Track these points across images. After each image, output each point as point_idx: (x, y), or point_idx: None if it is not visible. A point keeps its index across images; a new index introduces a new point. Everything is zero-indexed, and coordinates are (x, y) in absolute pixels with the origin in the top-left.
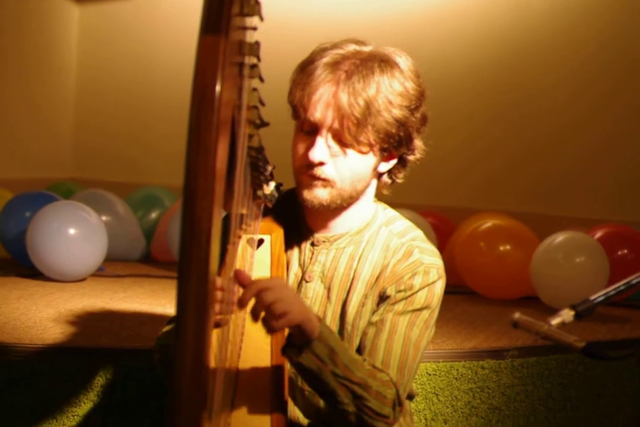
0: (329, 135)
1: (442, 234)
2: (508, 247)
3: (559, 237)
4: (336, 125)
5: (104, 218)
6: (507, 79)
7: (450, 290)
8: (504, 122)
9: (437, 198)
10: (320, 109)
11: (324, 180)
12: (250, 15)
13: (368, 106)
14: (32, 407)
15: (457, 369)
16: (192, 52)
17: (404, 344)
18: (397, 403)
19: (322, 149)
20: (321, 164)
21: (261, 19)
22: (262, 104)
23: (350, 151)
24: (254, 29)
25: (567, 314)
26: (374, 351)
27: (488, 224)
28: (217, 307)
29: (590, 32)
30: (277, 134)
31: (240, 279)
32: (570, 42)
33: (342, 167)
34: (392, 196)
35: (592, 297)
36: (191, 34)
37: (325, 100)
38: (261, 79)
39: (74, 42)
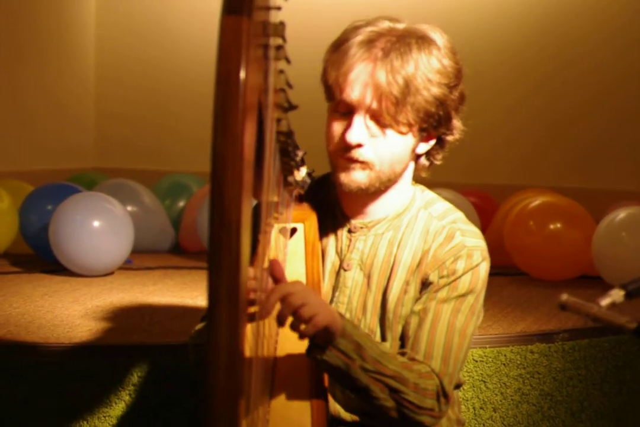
0: (367, 116)
1: (484, 213)
2: (559, 225)
3: (621, 214)
4: (374, 105)
5: (129, 209)
6: (541, 49)
7: (497, 271)
8: (541, 93)
9: (477, 176)
10: (357, 89)
11: (362, 162)
12: None
13: (407, 84)
14: (61, 409)
15: (505, 355)
16: (215, 34)
17: (447, 332)
18: (442, 394)
19: (360, 130)
20: (359, 146)
21: None
22: (290, 86)
23: (389, 132)
24: (278, 8)
25: (617, 294)
26: (416, 342)
27: (537, 201)
28: (251, 296)
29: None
30: (307, 117)
31: (273, 270)
32: (605, 8)
33: (381, 148)
34: (430, 176)
35: None
36: (213, 15)
37: (362, 79)
38: (288, 61)
39: (92, 27)
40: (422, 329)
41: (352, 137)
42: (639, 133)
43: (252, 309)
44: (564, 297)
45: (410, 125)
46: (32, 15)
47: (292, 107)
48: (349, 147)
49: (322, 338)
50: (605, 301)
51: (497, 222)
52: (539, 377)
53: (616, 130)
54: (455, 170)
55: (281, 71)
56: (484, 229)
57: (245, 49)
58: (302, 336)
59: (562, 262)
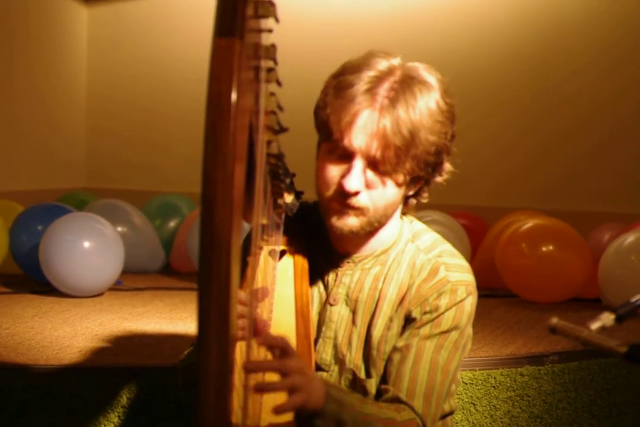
0: (366, 164)
1: (475, 235)
2: (551, 247)
3: (630, 237)
4: (377, 154)
5: (119, 229)
6: (528, 72)
7: (487, 293)
8: (528, 115)
9: (466, 197)
10: (361, 137)
11: (357, 209)
12: (265, 16)
13: (412, 136)
14: None
15: (494, 377)
16: (207, 53)
17: (430, 370)
18: None
19: (359, 178)
20: (356, 193)
21: (277, 20)
22: (281, 109)
23: (387, 181)
24: (270, 31)
25: (607, 318)
26: (398, 380)
27: (529, 224)
28: (239, 322)
29: (617, 17)
30: (297, 139)
31: (264, 342)
32: (593, 31)
33: (377, 196)
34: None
35: (634, 299)
36: (205, 33)
37: (367, 127)
38: (279, 83)
39: (84, 47)
40: (404, 366)
41: (351, 185)
42: (624, 155)
43: (240, 332)
44: (554, 320)
45: (407, 175)
46: (23, 33)
47: (282, 129)
48: (346, 194)
49: (303, 414)
50: (595, 325)
51: (487, 243)
52: (528, 400)
53: (602, 152)
54: (444, 192)
55: (272, 93)
56: (474, 251)
57: (236, 71)
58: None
59: (554, 285)
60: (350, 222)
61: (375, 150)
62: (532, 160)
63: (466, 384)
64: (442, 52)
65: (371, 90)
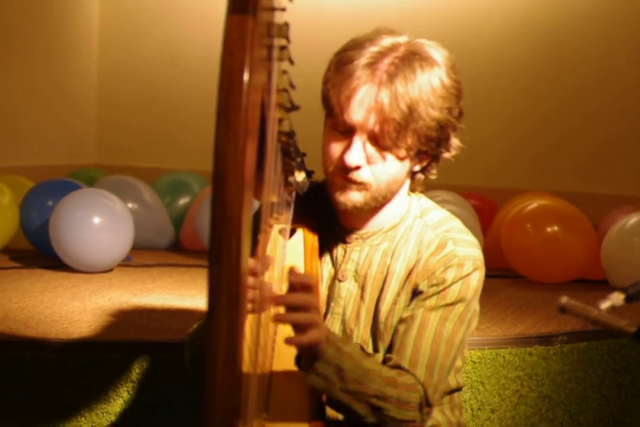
0: (367, 139)
1: (485, 216)
2: (556, 228)
3: (632, 219)
4: (376, 129)
5: (130, 206)
6: (545, 58)
7: (496, 274)
8: (546, 100)
9: (481, 179)
10: (359, 112)
11: (359, 184)
12: None
13: (411, 111)
14: (59, 405)
15: (503, 357)
16: (219, 34)
17: (434, 341)
18: (425, 404)
19: (359, 153)
20: (357, 168)
21: None
22: (293, 87)
23: (388, 155)
24: (283, 9)
25: (617, 298)
26: (401, 349)
27: (534, 204)
28: (249, 294)
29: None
30: (308, 118)
31: (294, 279)
32: (612, 16)
33: (379, 171)
34: (435, 178)
35: None
36: (218, 15)
37: (365, 102)
38: (291, 62)
39: (96, 25)
40: (408, 336)
41: (351, 159)
42: (637, 140)
43: (250, 306)
44: (564, 300)
45: (409, 149)
46: (37, 13)
47: (294, 107)
48: (347, 169)
49: (303, 361)
50: (605, 304)
51: (496, 225)
52: (537, 379)
53: (618, 136)
54: (457, 173)
55: (284, 72)
56: (484, 232)
57: (249, 48)
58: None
59: (558, 265)
60: (353, 197)
61: (374, 124)
62: (546, 144)
63: (475, 363)
64: (453, 36)
65: (371, 66)
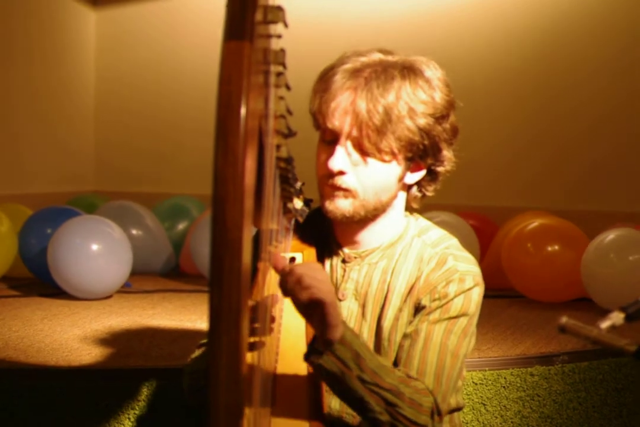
0: (349, 144)
1: (484, 236)
2: (557, 247)
3: (610, 235)
4: (355, 133)
5: (133, 231)
6: (541, 75)
7: (496, 294)
8: (542, 118)
9: (478, 198)
10: (338, 117)
11: (345, 190)
12: (274, 22)
13: (387, 113)
14: None
15: (504, 377)
16: (215, 53)
17: (440, 352)
18: (436, 412)
19: (341, 158)
20: (341, 173)
21: (285, 25)
22: (290, 113)
23: (371, 160)
24: (279, 36)
25: (617, 317)
26: (408, 361)
27: (535, 223)
28: (250, 327)
29: (624, 22)
30: (306, 144)
31: (275, 262)
32: (606, 31)
33: (364, 176)
34: (431, 197)
35: None
36: (214, 40)
37: (343, 107)
38: (288, 88)
39: (91, 51)
40: (414, 349)
41: (333, 164)
42: (635, 157)
43: (252, 339)
44: (564, 319)
45: (393, 154)
46: (30, 40)
47: (291, 133)
48: (332, 175)
49: (321, 343)
50: (605, 324)
51: (496, 244)
52: (539, 400)
53: (614, 153)
54: (455, 193)
55: (281, 98)
56: (483, 252)
57: (246, 73)
58: (294, 301)
59: (559, 284)
60: (341, 204)
61: (353, 129)
62: (543, 162)
63: (476, 384)
64: (448, 54)
65: (352, 73)
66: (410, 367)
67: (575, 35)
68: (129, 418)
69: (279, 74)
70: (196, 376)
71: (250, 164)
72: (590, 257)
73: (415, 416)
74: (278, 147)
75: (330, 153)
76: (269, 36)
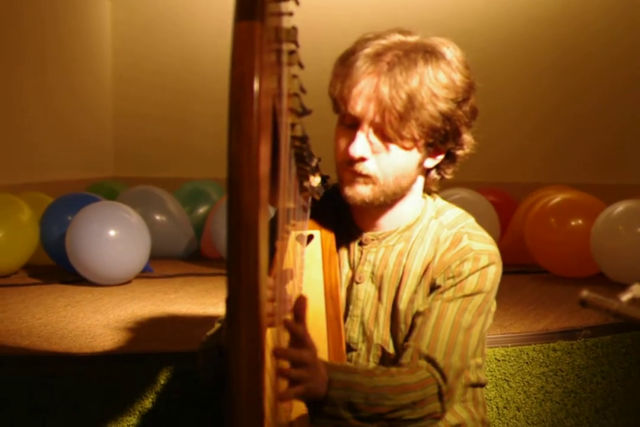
0: (371, 130)
1: (504, 212)
2: (580, 221)
3: (619, 207)
4: (378, 119)
5: (156, 217)
6: (556, 48)
7: (517, 269)
8: (558, 91)
9: (497, 175)
10: (361, 103)
11: (365, 176)
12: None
13: (410, 99)
14: (84, 419)
15: (527, 353)
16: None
17: (452, 329)
18: (445, 392)
19: (362, 144)
20: (362, 159)
21: (297, 2)
22: (303, 91)
23: (393, 146)
24: (290, 14)
25: (637, 289)
26: (419, 337)
27: (557, 198)
28: (269, 306)
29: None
30: (321, 122)
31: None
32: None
33: (385, 163)
34: (452, 177)
35: None
36: (231, 23)
37: (366, 93)
38: (301, 66)
39: (108, 37)
40: (426, 326)
41: (355, 150)
42: None
43: (270, 318)
44: (584, 293)
45: (415, 140)
46: (46, 28)
47: (306, 112)
48: (352, 161)
49: (309, 401)
50: (625, 297)
51: (516, 220)
52: (562, 375)
53: (635, 125)
54: (474, 170)
55: (294, 76)
56: (503, 228)
57: (258, 54)
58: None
59: (582, 259)
60: (361, 190)
61: (376, 115)
62: (563, 137)
63: (499, 360)
64: (462, 28)
65: (374, 57)
66: (421, 343)
67: (592, 6)
68: (152, 402)
69: (291, 52)
70: (210, 354)
71: (264, 146)
72: (599, 230)
73: (419, 413)
74: (292, 125)
75: (351, 138)
76: (281, 14)
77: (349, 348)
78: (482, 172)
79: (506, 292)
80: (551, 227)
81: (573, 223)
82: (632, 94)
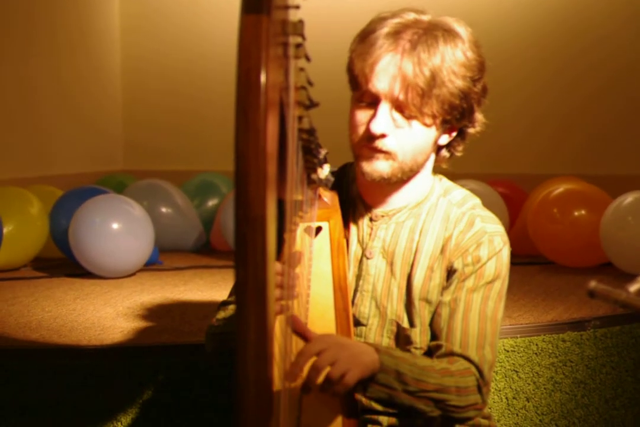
0: (392, 107)
1: (513, 203)
2: (583, 212)
3: (628, 198)
4: (401, 96)
5: (162, 209)
6: (559, 38)
7: (526, 261)
8: (563, 79)
9: (506, 166)
10: (383, 79)
11: (385, 153)
12: None
13: (433, 76)
14: (94, 411)
15: (536, 344)
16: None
17: (480, 320)
18: (483, 384)
19: (385, 121)
20: (383, 136)
21: None
22: (311, 84)
23: (413, 123)
24: (297, 7)
25: None
26: (450, 333)
27: (560, 189)
28: (277, 292)
29: None
30: (328, 114)
31: (295, 325)
32: None
33: (405, 139)
34: (457, 167)
35: None
36: (236, 15)
37: (389, 70)
38: (308, 59)
39: (117, 30)
40: (454, 320)
41: (376, 127)
42: None
43: (280, 303)
44: (592, 284)
45: (434, 117)
46: (56, 22)
47: (313, 104)
48: (372, 137)
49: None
50: (633, 287)
51: (525, 212)
52: (571, 366)
53: None
54: (482, 161)
55: (301, 69)
56: (512, 219)
57: (265, 47)
58: (336, 395)
59: (587, 249)
60: (380, 166)
61: (399, 91)
62: (569, 126)
63: (508, 351)
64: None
65: (394, 35)
66: (454, 341)
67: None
68: (162, 394)
69: (298, 45)
70: (223, 338)
71: (272, 139)
72: (609, 221)
73: (464, 401)
74: (300, 118)
75: (371, 115)
76: (287, 7)
77: (358, 323)
78: (491, 164)
79: (515, 284)
80: (554, 217)
81: (576, 213)
82: (635, 83)
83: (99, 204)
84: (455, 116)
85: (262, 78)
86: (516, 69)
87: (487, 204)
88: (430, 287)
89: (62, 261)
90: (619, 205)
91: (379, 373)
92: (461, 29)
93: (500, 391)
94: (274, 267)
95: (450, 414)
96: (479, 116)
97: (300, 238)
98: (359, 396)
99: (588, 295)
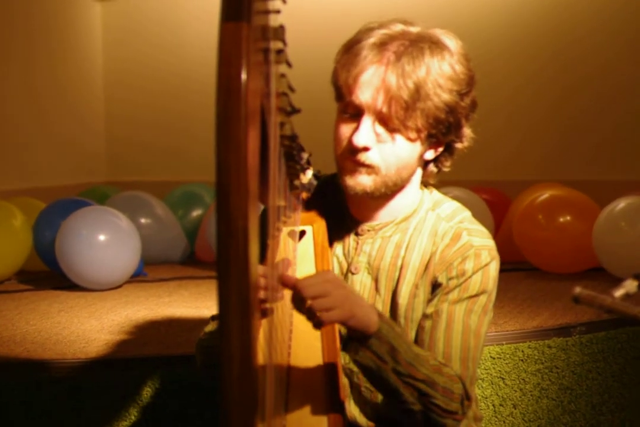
0: (375, 120)
1: (497, 210)
2: (568, 218)
3: (621, 204)
4: (384, 109)
5: (142, 221)
6: (552, 47)
7: (510, 267)
8: (551, 90)
9: (490, 173)
10: (367, 91)
11: (367, 166)
12: None
13: (418, 89)
14: (79, 424)
15: (522, 351)
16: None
17: (463, 333)
18: (465, 397)
19: (367, 134)
20: (366, 149)
21: (284, 0)
22: (292, 90)
23: (397, 137)
24: (278, 12)
25: (630, 285)
26: (432, 344)
27: (545, 195)
28: (261, 294)
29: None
30: (311, 119)
31: (286, 281)
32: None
33: (388, 153)
34: (442, 174)
35: None
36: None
37: (372, 82)
38: (289, 64)
39: (99, 43)
40: (437, 332)
41: (359, 140)
42: None
43: (264, 305)
44: (577, 289)
45: (418, 131)
46: (36, 34)
47: (294, 110)
48: (355, 150)
49: (357, 336)
50: (618, 292)
51: (510, 218)
52: (557, 372)
53: (627, 120)
54: (467, 168)
55: (283, 75)
56: (497, 226)
57: (245, 55)
58: (317, 325)
59: (572, 255)
60: (363, 180)
61: (382, 104)
62: (554, 135)
63: (494, 358)
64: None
65: (379, 46)
66: (437, 352)
67: (590, 2)
68: (148, 407)
69: (279, 51)
70: (211, 351)
71: (253, 150)
72: (601, 227)
73: (446, 404)
74: (281, 125)
75: (353, 128)
76: (268, 12)
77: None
78: (475, 171)
79: (500, 290)
80: (539, 224)
81: (561, 219)
82: (628, 93)
83: (86, 215)
84: (441, 131)
85: (243, 86)
86: (509, 77)
87: (471, 211)
88: (415, 305)
89: (46, 274)
90: (612, 210)
91: (373, 338)
92: (450, 42)
93: (487, 398)
94: (258, 270)
95: (430, 413)
96: (466, 131)
97: (283, 242)
98: (348, 408)
99: (573, 301)
